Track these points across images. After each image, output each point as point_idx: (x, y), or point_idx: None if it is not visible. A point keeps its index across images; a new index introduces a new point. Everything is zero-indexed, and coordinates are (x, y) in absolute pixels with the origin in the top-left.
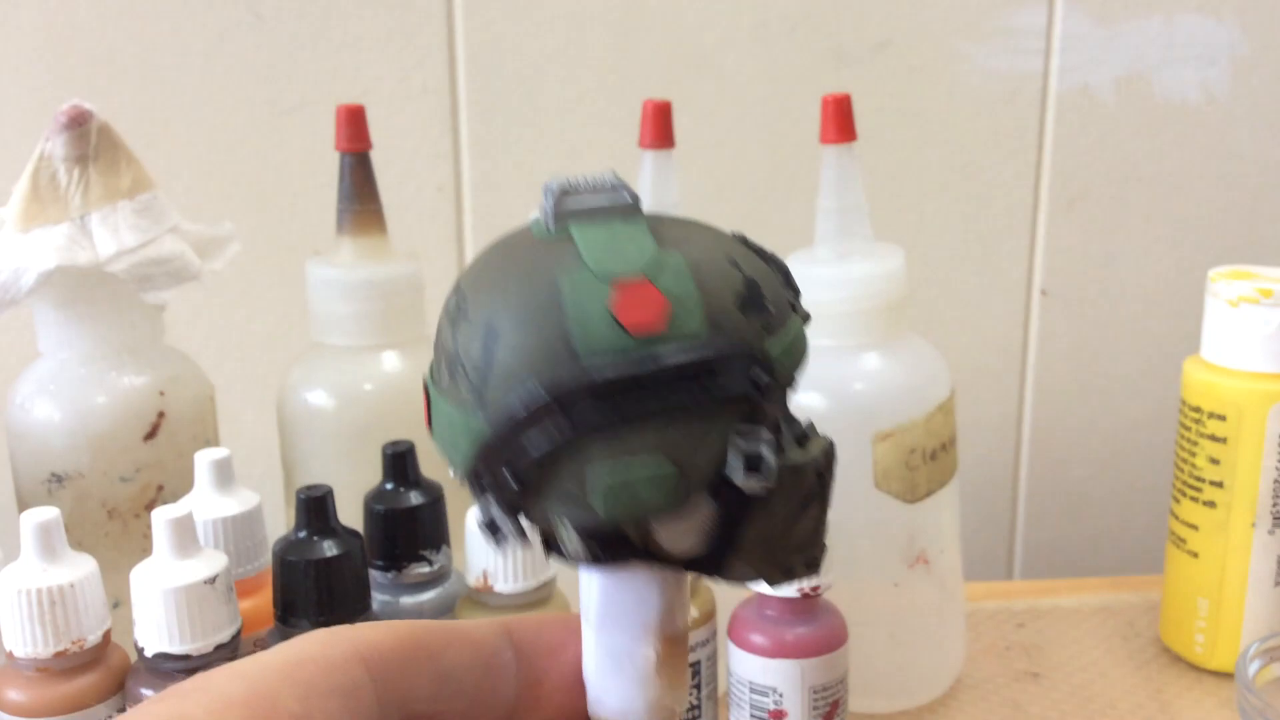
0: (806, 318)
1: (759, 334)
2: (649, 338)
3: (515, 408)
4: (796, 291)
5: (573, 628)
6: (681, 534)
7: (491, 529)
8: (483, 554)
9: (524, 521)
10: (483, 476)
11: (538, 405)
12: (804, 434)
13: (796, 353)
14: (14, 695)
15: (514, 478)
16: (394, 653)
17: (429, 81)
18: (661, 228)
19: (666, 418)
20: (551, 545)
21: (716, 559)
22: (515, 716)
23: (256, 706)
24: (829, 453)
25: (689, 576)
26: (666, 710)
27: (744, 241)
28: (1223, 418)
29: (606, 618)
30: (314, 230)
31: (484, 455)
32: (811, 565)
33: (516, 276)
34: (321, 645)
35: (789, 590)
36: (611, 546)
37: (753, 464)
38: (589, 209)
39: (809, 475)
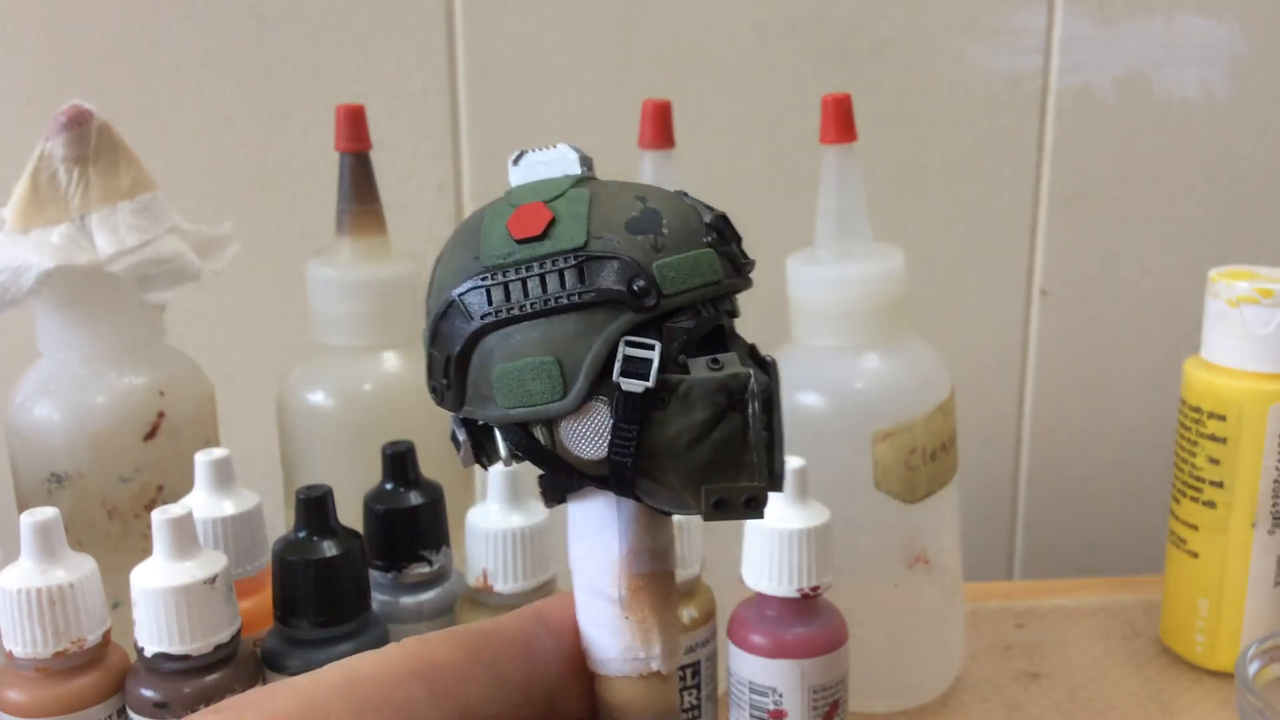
0: (736, 260)
1: (643, 250)
2: (530, 241)
3: (436, 310)
4: (725, 237)
5: None
6: (582, 436)
7: (454, 441)
8: (483, 554)
9: (475, 433)
10: (435, 386)
11: (448, 304)
12: (718, 360)
13: (695, 277)
14: (13, 695)
15: (445, 377)
16: (449, 667)
17: (429, 81)
18: (596, 181)
19: (549, 315)
20: (488, 453)
21: (631, 474)
22: (559, 694)
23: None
24: (738, 378)
25: (661, 519)
26: (640, 663)
27: (681, 194)
28: (1223, 418)
29: (575, 555)
30: (314, 230)
31: (429, 363)
32: (752, 505)
33: (466, 219)
34: (376, 663)
35: (789, 590)
36: (531, 450)
37: (629, 365)
38: (536, 165)
39: (711, 393)
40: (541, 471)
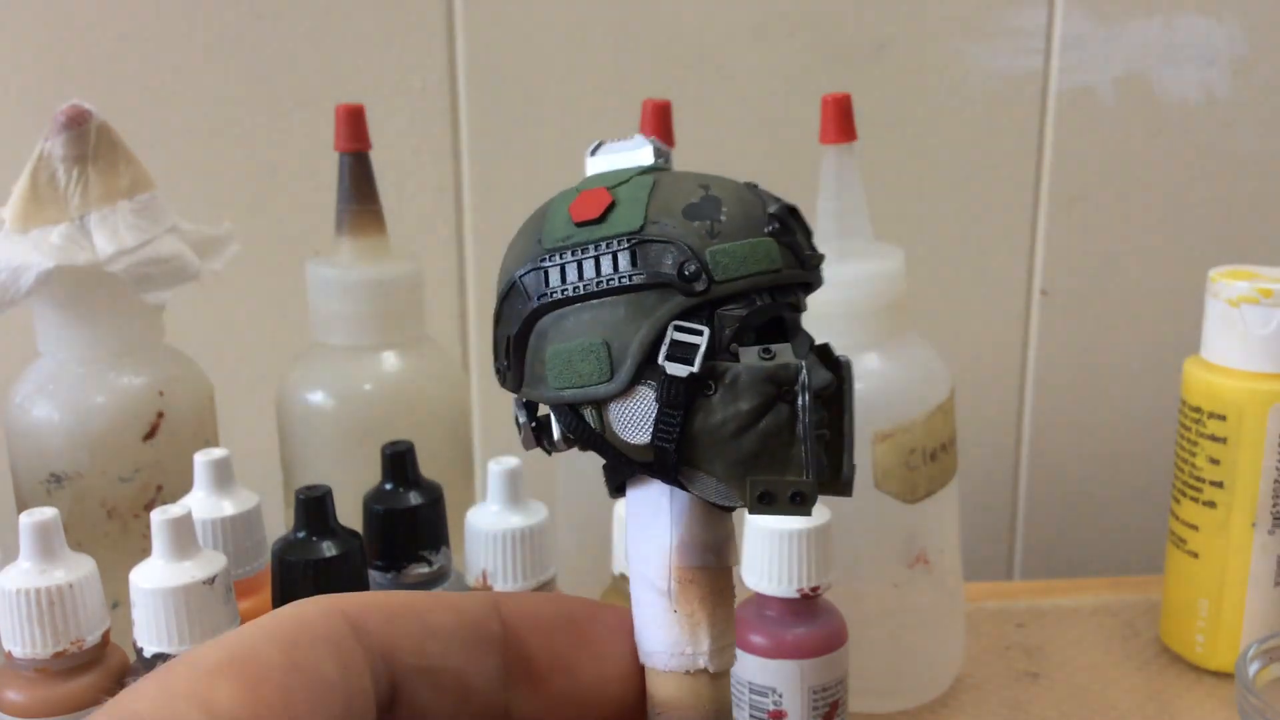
0: (800, 252)
1: (698, 236)
2: (588, 224)
3: (501, 291)
4: (788, 228)
5: (562, 609)
6: (628, 420)
7: (516, 424)
8: (482, 554)
9: (535, 416)
10: (499, 368)
11: (510, 285)
12: (770, 350)
13: (750, 264)
14: (12, 696)
15: (506, 358)
16: (374, 608)
17: (429, 81)
18: (667, 171)
19: (601, 296)
20: (549, 437)
21: (673, 461)
22: (512, 694)
23: (242, 665)
24: (788, 368)
25: (716, 514)
26: (687, 658)
27: (750, 185)
28: (1223, 418)
29: (630, 542)
30: (314, 230)
31: (494, 344)
32: (799, 500)
33: (540, 206)
34: (300, 605)
35: (789, 590)
36: (582, 433)
37: (676, 349)
38: (612, 155)
39: (758, 382)
40: (602, 460)
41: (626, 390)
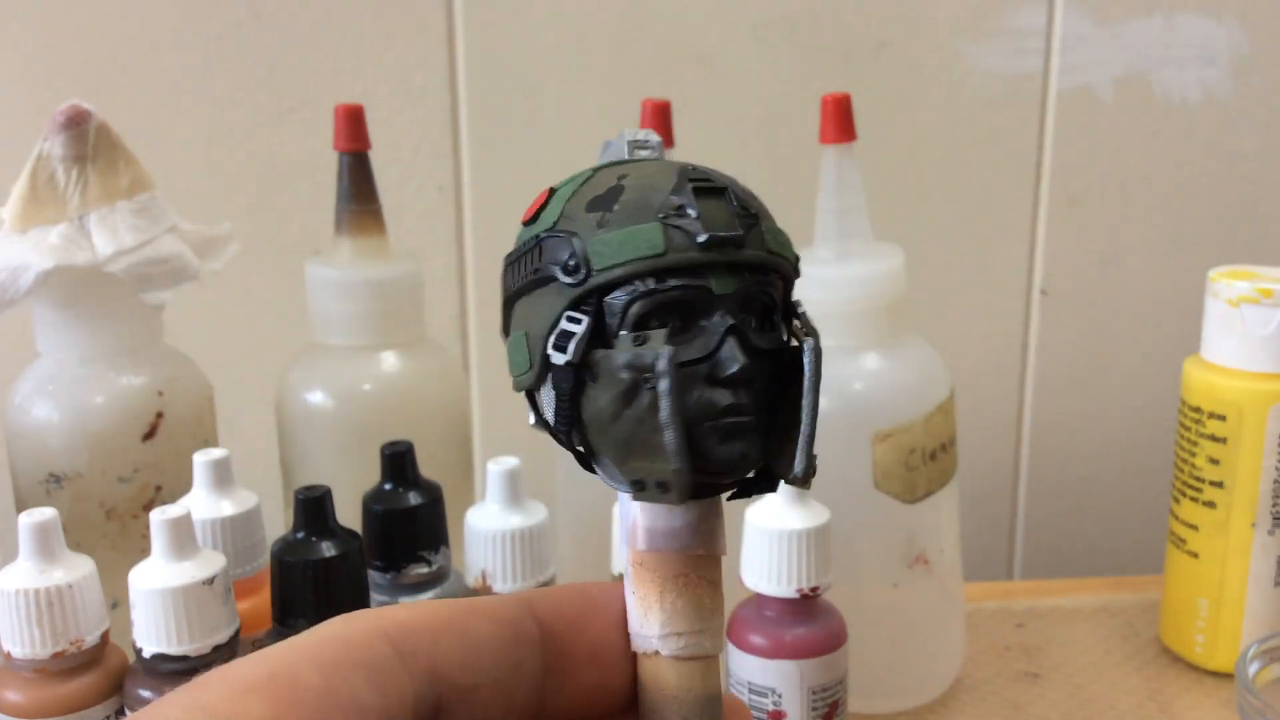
0: (693, 234)
1: (589, 227)
2: (527, 224)
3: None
4: (682, 212)
5: (591, 600)
6: (544, 407)
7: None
8: (482, 554)
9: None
10: None
11: (502, 285)
12: (642, 337)
13: (627, 251)
14: (12, 696)
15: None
16: (419, 628)
17: (429, 81)
18: (622, 163)
19: (526, 292)
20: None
21: (570, 445)
22: (547, 689)
23: (277, 686)
24: (643, 356)
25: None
26: (644, 640)
27: (684, 169)
28: (1223, 418)
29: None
30: (314, 230)
31: None
32: (664, 486)
33: None
34: (344, 624)
35: (788, 590)
36: (538, 418)
37: (560, 339)
38: (608, 152)
39: (618, 369)
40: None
41: (542, 378)
